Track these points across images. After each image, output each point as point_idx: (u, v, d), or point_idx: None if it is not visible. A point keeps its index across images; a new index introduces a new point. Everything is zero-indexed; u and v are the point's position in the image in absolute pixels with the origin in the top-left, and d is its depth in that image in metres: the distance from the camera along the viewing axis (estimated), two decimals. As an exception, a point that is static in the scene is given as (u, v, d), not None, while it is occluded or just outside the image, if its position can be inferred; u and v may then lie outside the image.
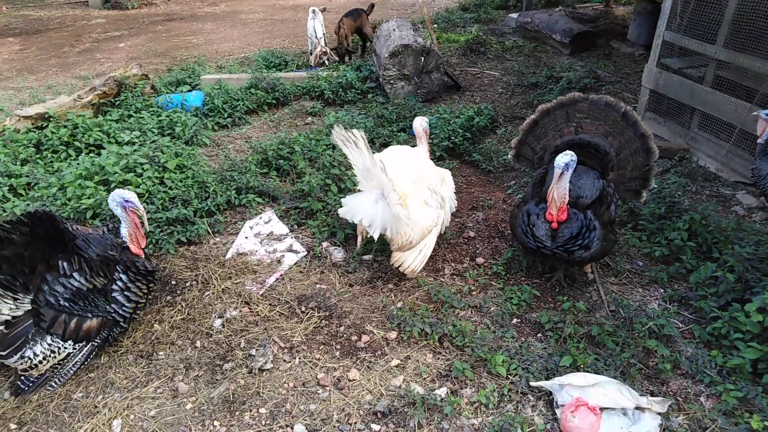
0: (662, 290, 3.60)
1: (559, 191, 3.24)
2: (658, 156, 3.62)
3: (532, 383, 2.90)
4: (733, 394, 2.70)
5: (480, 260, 4.02)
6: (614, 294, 3.56)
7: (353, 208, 3.47)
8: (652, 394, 2.82)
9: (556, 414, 2.76)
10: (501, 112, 6.46)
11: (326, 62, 8.19)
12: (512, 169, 5.17)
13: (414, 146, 4.21)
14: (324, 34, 8.22)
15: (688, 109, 5.22)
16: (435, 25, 9.76)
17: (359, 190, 3.62)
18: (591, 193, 3.37)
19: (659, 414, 2.67)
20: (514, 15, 10.04)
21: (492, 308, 3.52)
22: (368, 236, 3.66)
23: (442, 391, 2.92)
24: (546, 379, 2.90)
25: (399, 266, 3.69)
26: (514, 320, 3.44)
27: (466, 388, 2.97)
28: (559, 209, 3.28)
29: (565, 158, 3.16)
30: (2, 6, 13.02)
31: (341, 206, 3.55)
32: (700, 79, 5.05)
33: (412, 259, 3.67)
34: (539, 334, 3.31)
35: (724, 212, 4.35)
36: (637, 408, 2.67)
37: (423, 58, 6.75)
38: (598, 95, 3.78)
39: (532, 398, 2.88)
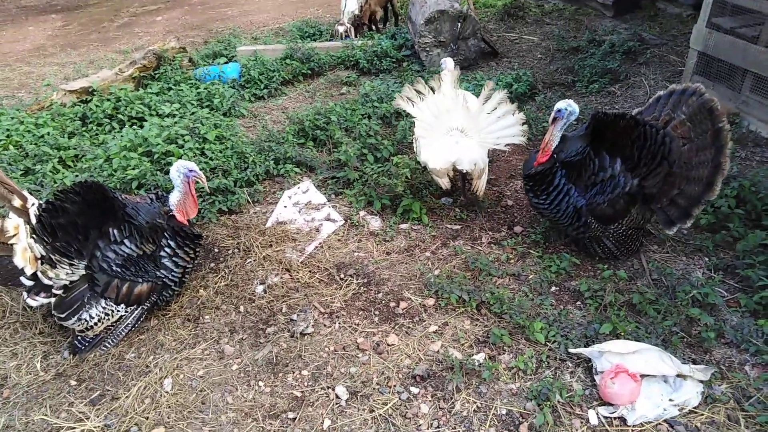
0: (707, 259, 3.51)
1: (547, 137, 3.38)
2: (716, 195, 3.10)
3: (571, 350, 2.90)
4: (781, 363, 2.65)
5: (518, 229, 3.99)
6: (656, 262, 3.49)
7: (442, 157, 3.79)
8: (695, 363, 2.79)
9: (595, 380, 2.76)
10: (540, 78, 6.29)
11: (351, 36, 8.03)
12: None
13: None
14: (353, 10, 8.04)
15: (739, 71, 4.97)
16: (471, -10, 9.50)
17: (420, 146, 3.96)
18: (567, 153, 3.38)
19: (701, 382, 2.65)
20: (554, -23, 9.66)
21: (530, 276, 3.51)
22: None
23: (480, 357, 2.96)
24: (585, 347, 2.90)
25: (476, 191, 4.05)
26: (553, 288, 3.43)
27: (504, 354, 2.99)
28: (543, 152, 3.41)
29: (562, 104, 3.30)
30: (44, -17, 13.28)
31: (425, 163, 3.89)
32: (754, 39, 4.79)
33: (483, 181, 4.01)
34: (578, 302, 3.29)
35: (776, 179, 4.17)
36: (678, 375, 2.65)
37: (459, 24, 6.61)
38: (710, 96, 3.21)
39: (570, 365, 2.88)
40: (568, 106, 3.31)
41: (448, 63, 4.55)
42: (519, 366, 2.86)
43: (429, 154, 3.86)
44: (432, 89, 3.99)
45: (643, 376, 2.66)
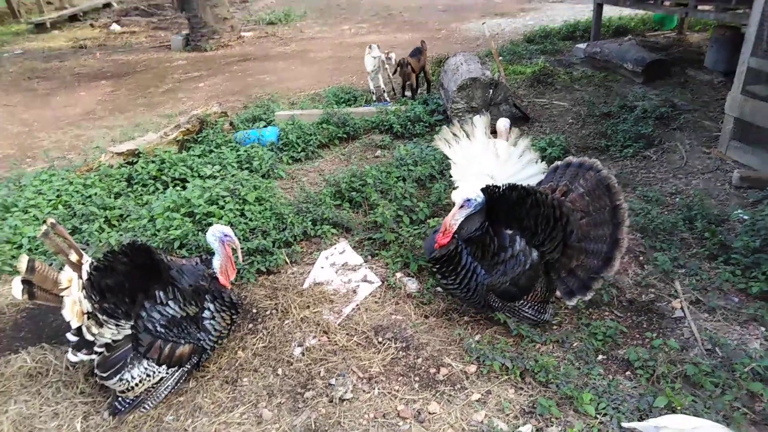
0: (763, 329, 3.37)
1: (450, 219, 3.36)
2: (613, 273, 3.27)
3: (624, 424, 2.75)
4: None
5: (559, 293, 3.91)
6: (708, 332, 3.36)
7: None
8: (761, 442, 2.62)
9: (652, 458, 2.60)
10: (573, 142, 6.34)
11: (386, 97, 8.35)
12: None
13: None
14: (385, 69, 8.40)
15: (779, 136, 4.96)
16: (500, 58, 9.81)
17: (455, 188, 4.18)
18: (468, 230, 3.38)
19: (770, 464, 2.48)
20: (582, 45, 9.93)
21: (575, 343, 3.40)
22: None
23: (526, 429, 2.84)
24: (639, 420, 2.75)
25: None
26: (600, 356, 3.31)
27: (551, 426, 2.86)
28: (443, 234, 3.38)
29: (469, 194, 3.31)
30: (96, 53, 14.21)
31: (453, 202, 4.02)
32: (792, 106, 4.80)
33: None
34: (628, 372, 3.16)
35: (828, 246, 4.05)
36: (744, 456, 2.48)
37: (491, 91, 6.78)
38: (607, 173, 3.37)
39: (624, 440, 2.74)
40: (478, 197, 3.33)
41: (500, 125, 4.66)
42: (569, 440, 2.73)
43: (456, 193, 4.05)
44: (467, 134, 4.16)
45: (704, 455, 2.50)
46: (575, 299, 3.37)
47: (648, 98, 7.19)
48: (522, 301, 3.45)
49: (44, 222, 3.02)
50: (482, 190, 3.39)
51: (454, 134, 4.19)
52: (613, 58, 8.69)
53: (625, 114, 6.72)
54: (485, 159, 4.10)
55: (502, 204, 3.36)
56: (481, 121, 4.15)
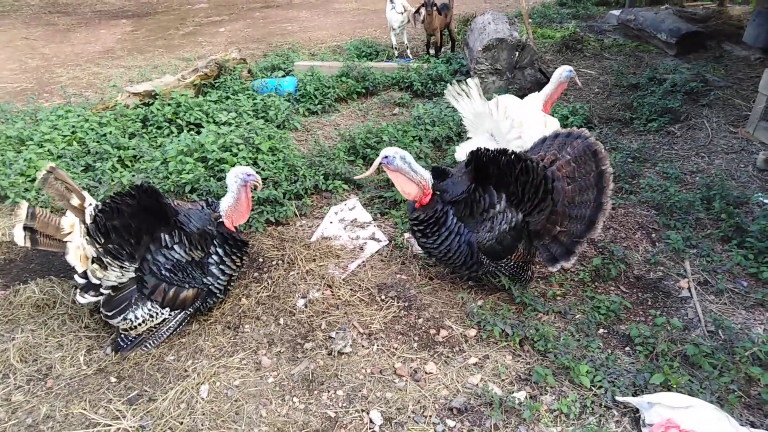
0: (769, 315, 3.32)
1: (415, 177, 3.32)
2: (598, 233, 3.21)
3: (618, 398, 2.77)
4: None
5: (567, 265, 3.87)
6: (713, 313, 3.32)
7: (465, 153, 3.80)
8: (753, 426, 2.61)
9: (642, 433, 2.62)
10: (596, 113, 6.17)
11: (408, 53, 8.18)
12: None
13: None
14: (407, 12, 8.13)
15: (812, 120, 4.76)
16: (530, 20, 9.48)
17: (469, 137, 4.38)
18: (453, 194, 3.34)
19: (760, 448, 2.48)
20: (616, 12, 9.55)
21: (577, 315, 3.39)
22: None
23: (520, 395, 2.85)
24: (633, 396, 2.76)
25: None
26: (601, 330, 3.30)
27: (546, 394, 2.88)
28: (424, 192, 3.36)
29: (389, 151, 3.30)
30: (118, -11, 14.00)
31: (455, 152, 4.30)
32: (829, 88, 4.59)
33: None
34: (627, 348, 3.15)
35: None
36: (735, 438, 2.48)
37: (517, 53, 6.58)
38: (595, 139, 3.31)
39: (616, 413, 2.75)
40: (396, 153, 3.28)
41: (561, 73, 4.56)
42: (561, 409, 2.74)
43: (460, 147, 4.35)
44: (465, 93, 4.17)
45: (695, 434, 2.51)
46: (558, 265, 3.31)
47: (679, 71, 6.93)
48: (506, 260, 3.42)
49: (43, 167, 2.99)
50: (471, 152, 3.33)
51: (457, 92, 4.23)
52: (647, 27, 8.35)
53: (654, 87, 6.51)
54: (485, 118, 4.18)
55: (490, 168, 3.29)
56: (473, 83, 4.13)
